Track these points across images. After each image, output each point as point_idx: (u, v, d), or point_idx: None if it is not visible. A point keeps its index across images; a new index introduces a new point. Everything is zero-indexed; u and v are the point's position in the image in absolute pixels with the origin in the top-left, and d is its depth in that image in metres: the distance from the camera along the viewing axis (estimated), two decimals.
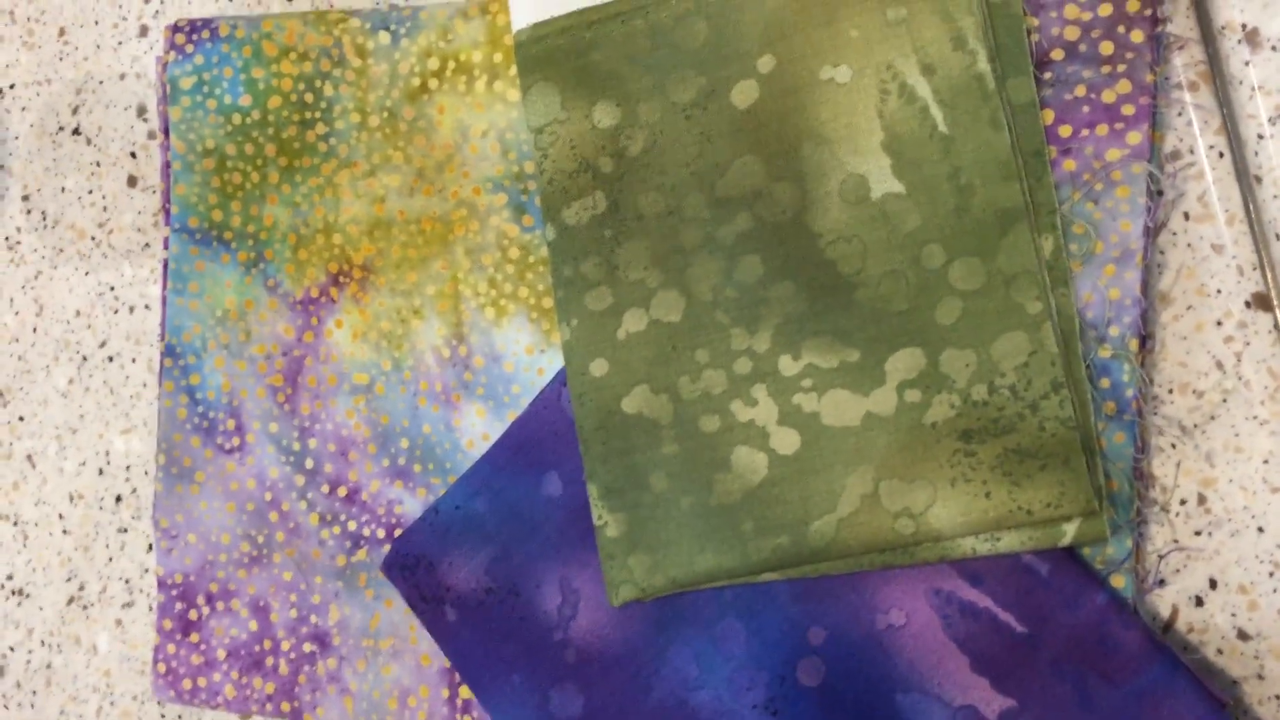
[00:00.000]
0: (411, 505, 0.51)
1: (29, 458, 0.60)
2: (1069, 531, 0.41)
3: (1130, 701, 0.40)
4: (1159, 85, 0.43)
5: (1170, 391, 0.43)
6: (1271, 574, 0.41)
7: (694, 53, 0.47)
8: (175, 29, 0.54)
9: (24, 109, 0.61)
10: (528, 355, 0.50)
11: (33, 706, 0.59)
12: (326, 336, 0.53)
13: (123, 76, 0.59)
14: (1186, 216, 0.43)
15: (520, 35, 0.49)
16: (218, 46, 0.54)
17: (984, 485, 0.41)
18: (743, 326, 0.45)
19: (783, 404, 0.44)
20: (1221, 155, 0.43)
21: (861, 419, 0.44)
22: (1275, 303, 0.42)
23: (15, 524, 0.60)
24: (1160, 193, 0.43)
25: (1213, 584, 0.42)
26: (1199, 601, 0.42)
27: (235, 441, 0.53)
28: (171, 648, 0.54)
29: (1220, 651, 0.42)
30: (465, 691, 0.50)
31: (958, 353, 0.43)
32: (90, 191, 0.59)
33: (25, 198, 0.60)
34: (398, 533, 0.51)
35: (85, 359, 0.59)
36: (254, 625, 0.53)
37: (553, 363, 0.50)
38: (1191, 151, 0.43)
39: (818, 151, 0.45)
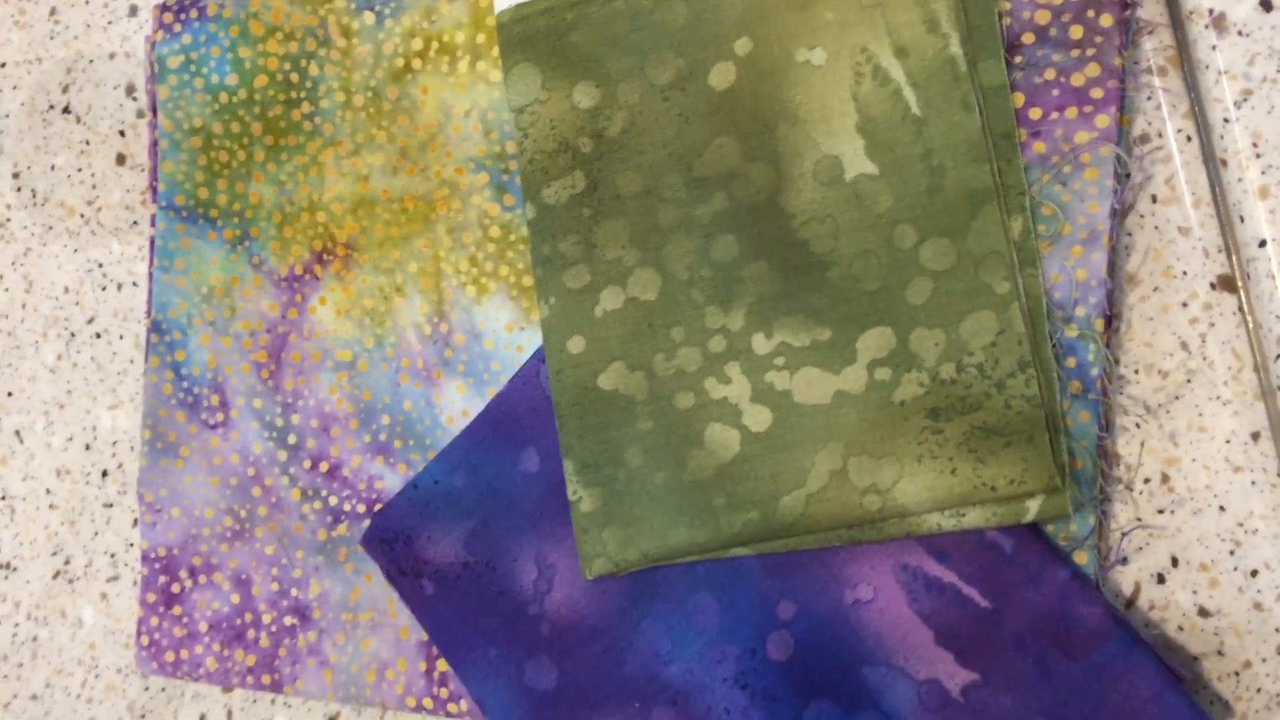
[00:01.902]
0: (392, 480, 0.52)
1: (17, 433, 0.60)
2: (1032, 508, 0.42)
3: (1090, 675, 0.41)
4: (1127, 69, 0.43)
5: (1136, 371, 0.43)
6: (1232, 552, 0.42)
7: (673, 35, 0.47)
8: (163, 8, 0.55)
9: (15, 87, 0.61)
10: (507, 333, 0.51)
11: (19, 679, 0.59)
12: (310, 313, 0.53)
13: (112, 56, 0.60)
14: (1154, 199, 0.43)
15: (502, 16, 0.49)
16: (205, 26, 0.54)
17: (950, 462, 0.42)
18: (717, 305, 0.46)
19: (755, 382, 0.45)
20: (1189, 139, 0.43)
21: (832, 397, 0.44)
22: (1240, 285, 0.42)
23: (3, 498, 0.60)
24: (1128, 175, 0.43)
25: (1174, 562, 0.43)
26: (1161, 579, 0.43)
27: (219, 417, 0.54)
28: (155, 620, 0.54)
29: (1181, 628, 0.43)
30: (442, 664, 0.51)
31: (927, 332, 0.43)
32: (80, 169, 0.60)
33: (15, 175, 0.61)
34: (378, 508, 0.52)
35: (73, 335, 0.59)
36: (236, 598, 0.54)
37: (532, 340, 0.50)
38: (1160, 135, 0.43)
39: (793, 133, 0.45)
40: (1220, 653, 0.42)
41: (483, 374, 0.51)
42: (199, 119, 0.54)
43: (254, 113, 0.54)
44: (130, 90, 0.59)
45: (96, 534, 0.59)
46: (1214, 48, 0.42)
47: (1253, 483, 0.42)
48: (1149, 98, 0.44)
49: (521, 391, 0.49)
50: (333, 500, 0.53)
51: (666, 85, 0.47)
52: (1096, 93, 0.43)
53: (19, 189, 0.61)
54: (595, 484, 0.47)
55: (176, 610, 0.54)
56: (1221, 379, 0.43)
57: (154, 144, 0.55)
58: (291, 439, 0.53)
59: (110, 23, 0.60)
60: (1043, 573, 0.42)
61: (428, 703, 0.51)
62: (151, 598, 0.55)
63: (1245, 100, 0.42)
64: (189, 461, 0.54)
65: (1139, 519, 0.43)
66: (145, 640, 0.55)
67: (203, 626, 0.54)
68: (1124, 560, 0.43)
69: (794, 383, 0.45)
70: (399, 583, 0.50)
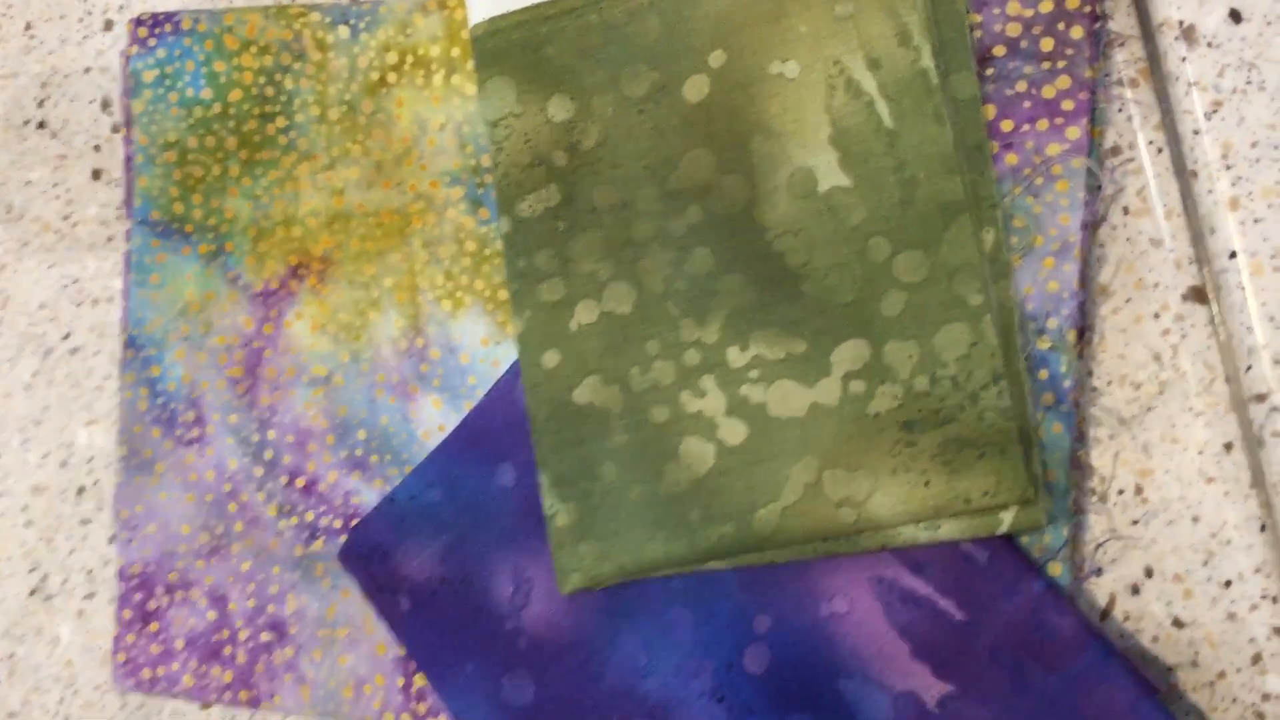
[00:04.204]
0: (368, 496, 0.52)
1: None
2: (1006, 520, 0.42)
3: (1065, 686, 0.41)
4: (1099, 81, 0.43)
5: (1109, 383, 0.44)
6: (1206, 563, 0.42)
7: (646, 48, 0.47)
8: (138, 22, 0.55)
9: None
10: (483, 347, 0.51)
11: None
12: (286, 328, 0.53)
13: (88, 70, 0.60)
14: (1126, 211, 0.44)
15: (476, 29, 0.49)
16: (180, 40, 0.54)
17: (924, 474, 0.42)
18: (692, 318, 0.46)
19: (730, 395, 0.45)
20: (1160, 150, 0.43)
21: (807, 409, 0.44)
22: (1211, 296, 0.43)
23: None
24: (1099, 187, 0.43)
25: (1149, 573, 0.43)
26: (1135, 590, 0.43)
27: (195, 433, 0.54)
28: (131, 637, 0.54)
29: (1156, 639, 0.43)
30: (420, 680, 0.50)
31: (901, 344, 0.43)
32: (55, 184, 0.60)
33: None
34: (355, 523, 0.52)
35: (49, 351, 0.59)
36: (212, 615, 0.53)
37: (508, 354, 0.50)
38: (1131, 147, 0.44)
39: (767, 145, 0.46)
40: (1195, 663, 0.42)
41: (459, 388, 0.51)
42: (174, 134, 0.54)
43: (229, 127, 0.54)
44: (106, 105, 0.59)
45: (73, 551, 0.58)
46: (1184, 59, 0.43)
47: (1226, 494, 0.42)
48: (1120, 110, 0.44)
49: (497, 406, 0.49)
50: (309, 516, 0.53)
51: (641, 98, 0.47)
52: (1068, 105, 0.43)
53: None
54: (571, 498, 0.47)
55: (153, 627, 0.54)
56: (1194, 390, 0.43)
57: (129, 159, 0.55)
58: (268, 454, 0.53)
59: (85, 37, 0.60)
60: (1017, 584, 0.42)
61: (406, 718, 0.50)
62: (128, 614, 0.54)
63: (1215, 112, 0.42)
64: (164, 478, 0.54)
65: (1113, 530, 0.43)
66: (122, 657, 0.54)
67: (179, 643, 0.54)
68: (1098, 571, 0.43)
69: (769, 396, 0.45)
70: (376, 598, 0.50)
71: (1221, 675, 0.42)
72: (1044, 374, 0.43)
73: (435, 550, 0.49)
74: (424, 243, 0.51)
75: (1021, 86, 0.44)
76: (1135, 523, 0.43)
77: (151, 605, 0.54)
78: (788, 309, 0.45)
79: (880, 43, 0.44)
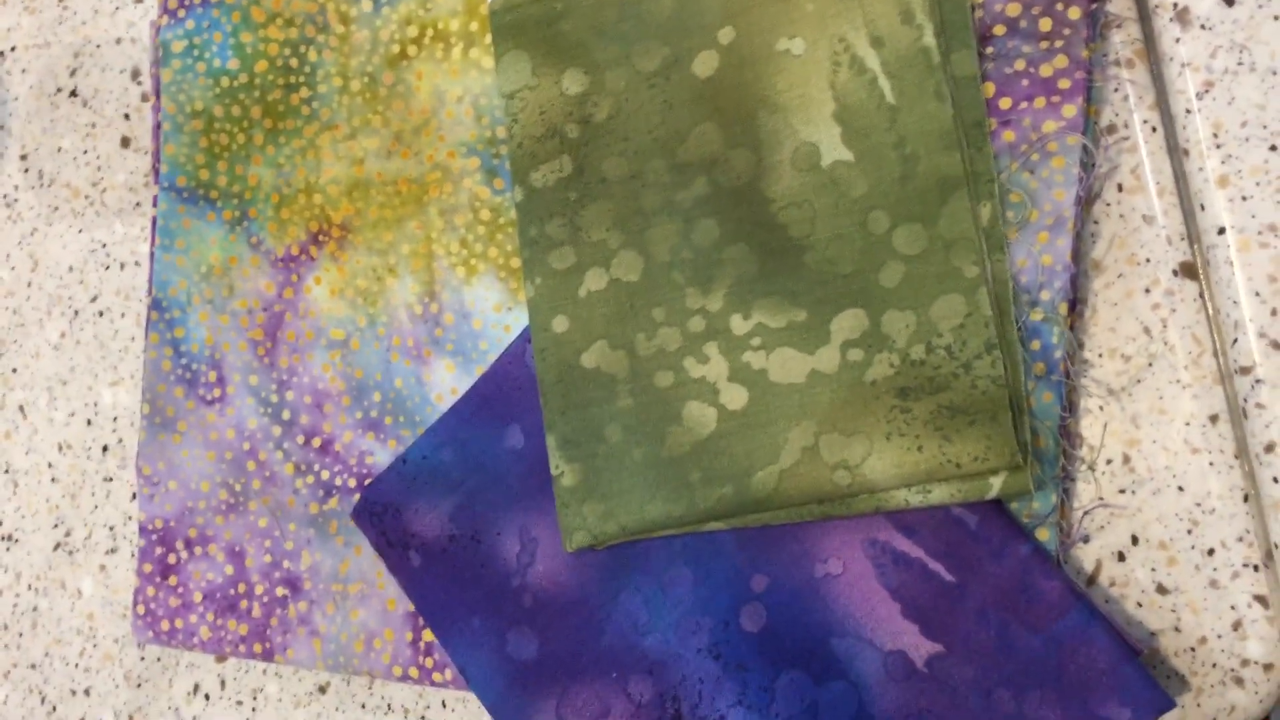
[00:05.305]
0: (382, 456, 0.54)
1: (20, 408, 0.62)
2: (995, 485, 0.43)
3: (1049, 647, 0.42)
4: (1095, 61, 0.45)
5: (1099, 355, 0.45)
6: (1190, 531, 0.43)
7: (659, 24, 0.49)
8: None
9: (24, 71, 0.63)
10: (495, 313, 0.52)
11: (19, 648, 0.61)
12: (305, 293, 0.55)
13: (119, 41, 0.61)
14: (1120, 188, 0.45)
15: (494, 5, 0.51)
16: (208, 12, 0.56)
17: (917, 439, 0.43)
18: (697, 287, 0.47)
19: (733, 361, 0.46)
20: (1154, 130, 0.44)
21: (806, 376, 0.45)
22: (1201, 272, 0.44)
23: (6, 472, 0.62)
24: (1093, 164, 0.45)
25: (1134, 540, 0.44)
26: (1121, 556, 0.44)
27: (216, 393, 0.56)
28: (151, 590, 0.56)
29: (1140, 604, 0.44)
30: (428, 635, 0.52)
31: (898, 314, 0.45)
32: (85, 151, 0.62)
33: (23, 156, 0.63)
34: (368, 482, 0.53)
35: (77, 313, 0.61)
36: (230, 569, 0.55)
37: (519, 320, 0.52)
38: (1126, 125, 0.45)
39: (772, 120, 0.47)
40: (1177, 629, 0.43)
41: (471, 353, 0.52)
42: (201, 102, 0.56)
43: (254, 97, 0.55)
44: (135, 74, 0.61)
45: (96, 507, 0.60)
46: (1178, 41, 0.44)
47: (1211, 464, 0.43)
48: (1116, 89, 0.45)
49: (508, 370, 0.51)
50: (325, 474, 0.54)
51: (652, 73, 0.49)
52: (1064, 83, 0.44)
53: (26, 170, 0.63)
54: (577, 459, 0.48)
55: (172, 580, 0.56)
56: (1182, 363, 0.44)
57: (157, 127, 0.57)
58: (286, 415, 0.55)
59: (117, 8, 0.61)
60: (1005, 548, 0.43)
61: (414, 672, 0.52)
62: (148, 568, 0.56)
63: (1207, 92, 0.43)
64: (186, 436, 0.56)
65: (1100, 498, 0.44)
66: (141, 609, 0.56)
67: (197, 596, 0.55)
68: (1085, 538, 0.44)
69: (770, 362, 0.46)
70: (387, 554, 0.51)
71: (1203, 640, 0.43)
72: (1036, 345, 0.44)
73: (445, 509, 0.51)
74: (440, 211, 0.53)
75: (1020, 65, 0.45)
76: (1122, 491, 0.44)
77: (171, 560, 0.56)
78: (790, 279, 0.46)
79: (884, 21, 0.45)
